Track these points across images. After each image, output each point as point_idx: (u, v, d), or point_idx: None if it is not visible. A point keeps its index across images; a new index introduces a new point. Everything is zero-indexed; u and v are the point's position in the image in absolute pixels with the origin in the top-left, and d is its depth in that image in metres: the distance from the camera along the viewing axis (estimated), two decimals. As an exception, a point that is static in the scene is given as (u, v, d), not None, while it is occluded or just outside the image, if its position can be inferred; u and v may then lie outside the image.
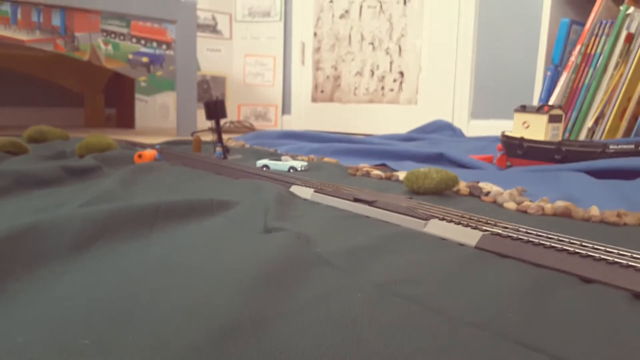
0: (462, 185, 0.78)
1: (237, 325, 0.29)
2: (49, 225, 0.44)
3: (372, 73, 2.56)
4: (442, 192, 0.75)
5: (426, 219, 0.53)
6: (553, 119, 1.03)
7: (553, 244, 0.43)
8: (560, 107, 1.06)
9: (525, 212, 0.65)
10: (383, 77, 2.52)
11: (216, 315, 0.30)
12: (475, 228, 0.49)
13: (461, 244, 0.48)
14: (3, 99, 2.59)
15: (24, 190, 0.71)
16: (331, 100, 2.74)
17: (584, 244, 0.43)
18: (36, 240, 0.42)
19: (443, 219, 0.53)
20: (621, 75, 1.46)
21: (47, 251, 0.41)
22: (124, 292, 0.34)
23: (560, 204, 0.64)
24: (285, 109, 2.95)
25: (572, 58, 1.57)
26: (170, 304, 0.32)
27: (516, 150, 1.05)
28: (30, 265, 0.39)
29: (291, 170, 1.00)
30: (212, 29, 2.91)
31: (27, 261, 0.39)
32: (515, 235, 0.46)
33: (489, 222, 0.52)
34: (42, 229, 0.43)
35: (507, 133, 1.09)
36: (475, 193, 0.75)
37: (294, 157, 1.22)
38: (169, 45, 2.16)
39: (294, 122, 2.89)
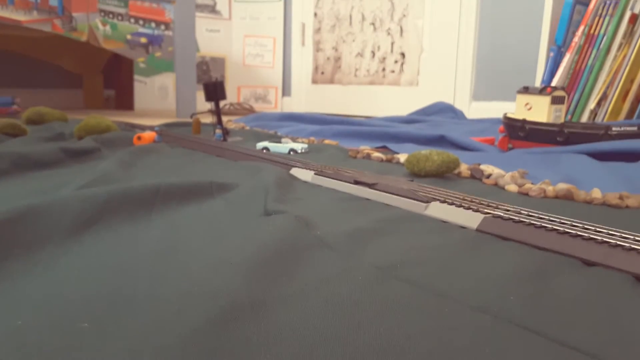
0: (464, 168, 0.78)
1: (237, 308, 0.29)
2: (48, 207, 0.44)
3: (373, 54, 2.53)
4: (443, 174, 0.75)
5: (427, 202, 0.53)
6: (556, 101, 1.02)
7: (555, 227, 0.43)
8: (563, 88, 1.05)
9: (526, 194, 0.64)
10: (384, 58, 2.49)
11: (215, 298, 0.30)
12: (477, 211, 0.49)
13: (462, 227, 0.48)
14: (1, 80, 2.57)
15: (23, 172, 0.71)
16: (332, 81, 2.72)
17: (585, 226, 0.43)
18: (35, 222, 0.42)
19: (444, 202, 0.52)
20: (624, 56, 1.45)
21: (46, 233, 0.41)
22: (123, 275, 0.34)
23: (562, 186, 0.63)
24: (286, 90, 2.93)
25: (576, 39, 1.55)
26: (169, 286, 0.32)
27: (518, 132, 1.04)
28: (29, 247, 0.39)
29: (291, 153, 0.99)
30: (211, 9, 2.87)
31: (26, 244, 0.39)
32: (516, 218, 0.46)
33: (490, 204, 0.51)
34: (40, 211, 0.43)
35: (509, 115, 1.08)
36: (476, 175, 0.75)
37: (294, 140, 1.22)
38: (167, 26, 2.13)
39: (294, 104, 2.88)
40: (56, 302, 0.30)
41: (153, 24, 2.10)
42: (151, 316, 0.28)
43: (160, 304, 0.29)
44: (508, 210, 0.49)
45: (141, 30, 2.08)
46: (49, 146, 0.85)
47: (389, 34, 2.46)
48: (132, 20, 2.06)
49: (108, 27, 2.01)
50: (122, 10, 2.04)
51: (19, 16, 1.83)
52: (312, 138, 1.24)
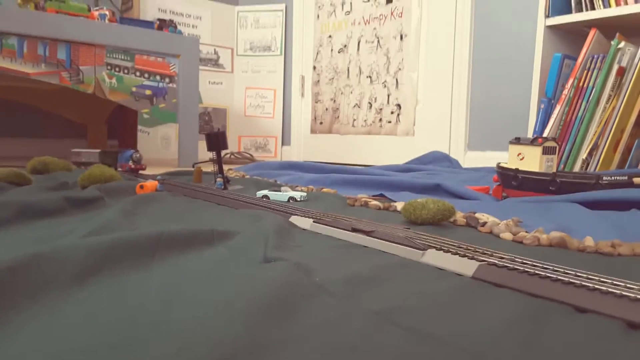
0: (459, 216, 0.79)
1: (236, 354, 0.29)
2: (52, 255, 0.45)
3: (370, 105, 2.60)
4: (439, 222, 0.76)
5: (423, 249, 0.54)
6: (547, 151, 1.05)
7: (548, 274, 0.44)
8: (554, 139, 1.08)
9: (521, 242, 0.65)
10: (381, 109, 2.56)
11: (216, 343, 0.30)
12: (472, 258, 0.50)
13: (458, 274, 0.48)
14: (7, 130, 2.61)
15: (27, 220, 0.72)
16: (330, 131, 2.78)
17: (578, 274, 0.44)
18: (39, 270, 0.42)
19: (440, 249, 0.53)
20: (614, 107, 1.49)
21: (50, 281, 0.42)
22: (125, 322, 0.35)
23: (556, 234, 0.64)
24: (285, 140, 2.99)
25: (565, 91, 1.60)
26: (170, 332, 0.33)
27: (511, 181, 1.06)
28: (33, 295, 0.39)
29: (290, 201, 1.00)
30: (214, 62, 2.97)
31: (30, 291, 0.40)
32: (511, 266, 0.47)
33: (485, 252, 0.52)
34: (44, 260, 0.44)
35: (502, 164, 1.10)
36: (471, 223, 0.76)
37: (293, 188, 1.23)
38: (172, 79, 2.20)
39: (294, 153, 2.92)
40: (60, 348, 0.30)
41: (158, 77, 2.17)
42: (153, 362, 0.28)
43: (161, 349, 0.30)
44: (503, 258, 0.50)
45: (146, 82, 2.15)
46: (53, 195, 0.86)
47: (385, 86, 2.54)
48: (138, 73, 2.13)
49: (114, 80, 2.08)
50: (128, 64, 2.11)
51: (27, 69, 1.89)
52: (310, 186, 1.26)
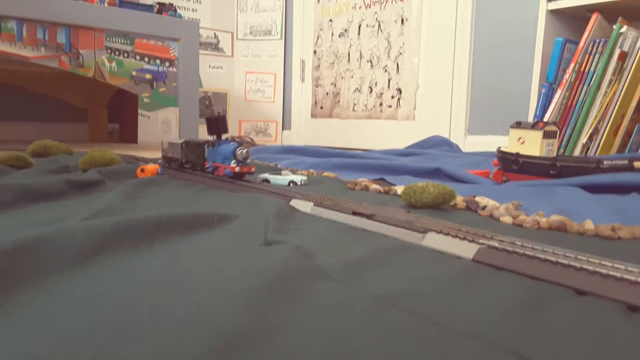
0: (459, 200, 0.79)
1: (238, 337, 0.29)
2: (53, 238, 0.44)
3: (371, 90, 2.58)
4: (439, 206, 0.76)
5: (424, 232, 0.54)
6: (548, 135, 1.04)
7: (548, 257, 0.44)
8: (554, 123, 1.07)
9: (521, 225, 0.65)
10: (381, 94, 2.54)
11: (217, 327, 0.30)
12: (472, 241, 0.50)
13: (458, 257, 0.48)
14: (8, 114, 2.60)
15: (28, 203, 0.72)
16: (330, 116, 2.77)
17: (578, 257, 0.44)
18: (40, 253, 0.42)
19: (440, 233, 0.53)
20: (615, 92, 1.48)
21: (51, 264, 0.42)
22: (126, 304, 0.35)
23: (556, 218, 0.64)
24: (286, 124, 2.98)
25: (566, 76, 1.59)
26: (172, 315, 0.33)
27: (512, 165, 1.06)
28: (34, 277, 0.39)
29: (291, 184, 1.00)
30: (214, 46, 2.94)
31: (31, 274, 0.40)
32: (511, 249, 0.47)
33: (485, 235, 0.52)
34: (45, 242, 0.44)
35: (503, 149, 1.10)
36: (471, 207, 0.76)
37: (294, 172, 1.23)
38: (172, 63, 2.19)
39: (294, 138, 2.91)
40: (60, 330, 0.30)
41: (158, 61, 2.16)
42: (153, 345, 0.28)
43: (162, 332, 0.30)
44: (503, 241, 0.50)
45: (146, 66, 2.13)
46: (54, 178, 0.86)
47: (385, 70, 2.52)
48: (138, 57, 2.11)
49: (114, 64, 2.06)
50: (128, 48, 2.09)
51: (27, 52, 1.88)
52: (311, 170, 1.26)
